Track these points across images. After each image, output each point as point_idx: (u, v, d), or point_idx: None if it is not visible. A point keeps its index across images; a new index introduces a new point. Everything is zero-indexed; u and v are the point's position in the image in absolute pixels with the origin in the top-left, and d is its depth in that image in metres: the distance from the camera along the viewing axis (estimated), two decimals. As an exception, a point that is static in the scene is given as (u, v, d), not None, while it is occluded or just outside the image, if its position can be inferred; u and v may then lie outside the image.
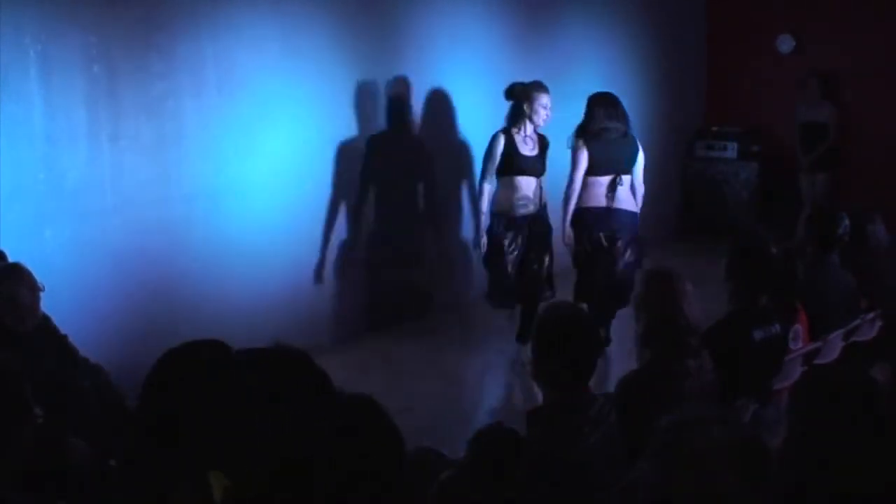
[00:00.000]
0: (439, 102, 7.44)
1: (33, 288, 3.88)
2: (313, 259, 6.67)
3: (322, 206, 6.68)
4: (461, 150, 7.65)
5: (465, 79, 7.59)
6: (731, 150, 10.00)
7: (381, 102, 7.00)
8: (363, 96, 6.86)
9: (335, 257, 6.82)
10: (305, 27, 6.46)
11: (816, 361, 4.16)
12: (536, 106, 6.16)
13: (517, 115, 6.25)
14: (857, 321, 4.52)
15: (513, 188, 6.18)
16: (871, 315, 4.59)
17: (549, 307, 3.06)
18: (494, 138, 6.24)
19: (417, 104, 7.28)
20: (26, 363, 3.64)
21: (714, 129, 10.21)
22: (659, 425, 2.08)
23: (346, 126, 6.77)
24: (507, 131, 6.25)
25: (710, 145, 10.15)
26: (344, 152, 6.79)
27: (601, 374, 3.04)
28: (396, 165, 7.18)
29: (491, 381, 6.11)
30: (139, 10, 5.54)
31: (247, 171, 6.19)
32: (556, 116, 8.87)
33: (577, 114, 8.90)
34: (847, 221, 4.76)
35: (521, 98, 6.23)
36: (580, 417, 2.90)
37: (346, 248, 6.89)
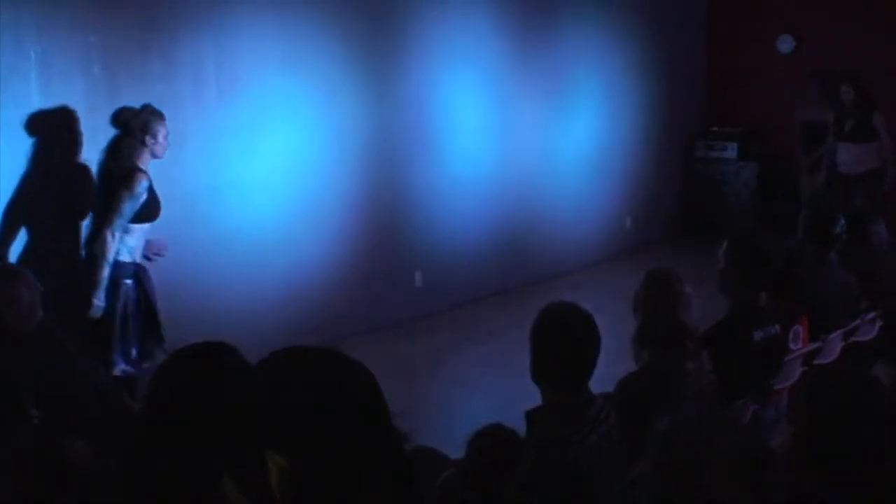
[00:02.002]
0: (439, 103, 7.45)
1: (33, 289, 3.88)
2: (313, 259, 6.68)
3: (322, 206, 6.68)
4: (460, 154, 7.66)
5: (464, 83, 7.60)
6: (731, 151, 10.01)
7: (381, 104, 7.00)
8: (362, 99, 6.86)
9: (335, 257, 6.82)
10: (305, 29, 6.46)
11: (816, 362, 4.16)
12: None
13: None
14: (857, 321, 4.52)
15: None
16: (872, 315, 4.58)
17: (549, 307, 3.05)
18: None
19: (417, 108, 7.28)
20: (26, 363, 3.65)
21: (714, 129, 10.22)
22: (659, 426, 2.08)
23: (345, 127, 6.78)
24: None
25: (710, 145, 10.16)
26: (343, 153, 6.80)
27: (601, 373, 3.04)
28: (396, 168, 7.19)
29: (491, 382, 6.11)
30: (139, 11, 5.55)
31: (246, 171, 6.19)
32: (556, 119, 8.89)
33: (577, 114, 8.94)
34: (843, 220, 4.76)
35: None
36: (580, 418, 2.90)
37: (345, 248, 6.89)
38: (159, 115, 4.93)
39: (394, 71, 7.09)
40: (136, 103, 5.53)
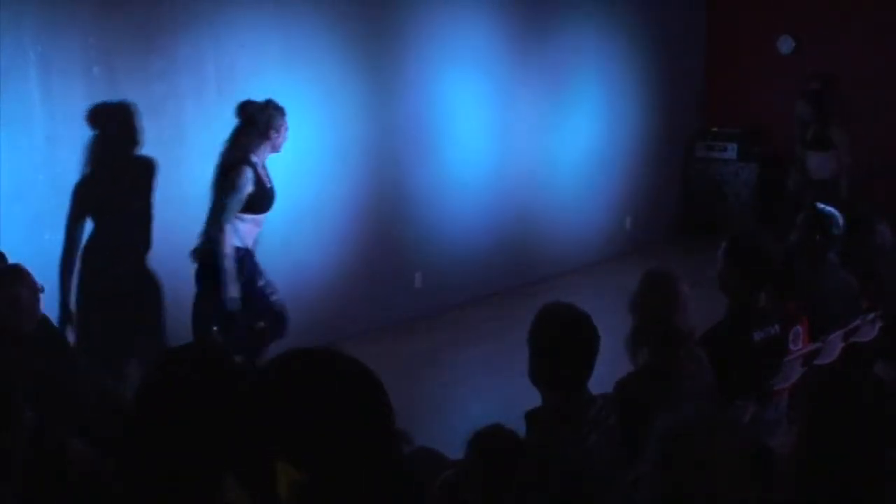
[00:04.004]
0: (439, 103, 7.45)
1: (33, 289, 3.88)
2: (313, 259, 6.68)
3: (322, 207, 6.68)
4: (459, 154, 7.66)
5: (465, 83, 7.60)
6: (731, 151, 10.02)
7: (380, 106, 7.00)
8: (362, 99, 6.86)
9: (335, 258, 6.82)
10: (306, 29, 6.46)
11: (816, 362, 4.16)
12: None
13: None
14: (857, 321, 4.52)
15: None
16: (872, 315, 4.58)
17: (548, 307, 3.05)
18: None
19: (417, 108, 7.28)
20: (26, 363, 3.65)
21: (714, 129, 10.22)
22: (658, 427, 2.08)
23: (345, 127, 6.78)
24: None
25: (710, 146, 10.17)
26: (343, 153, 6.80)
27: (600, 374, 3.04)
28: (395, 168, 7.19)
29: (491, 382, 6.11)
30: (139, 11, 5.54)
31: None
32: (556, 120, 8.89)
33: (577, 114, 8.94)
34: (842, 220, 4.76)
35: None
36: (579, 418, 2.90)
37: (345, 248, 6.89)
38: (282, 110, 5.15)
39: (394, 71, 7.09)
40: (136, 104, 5.55)
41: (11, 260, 4.27)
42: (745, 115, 10.07)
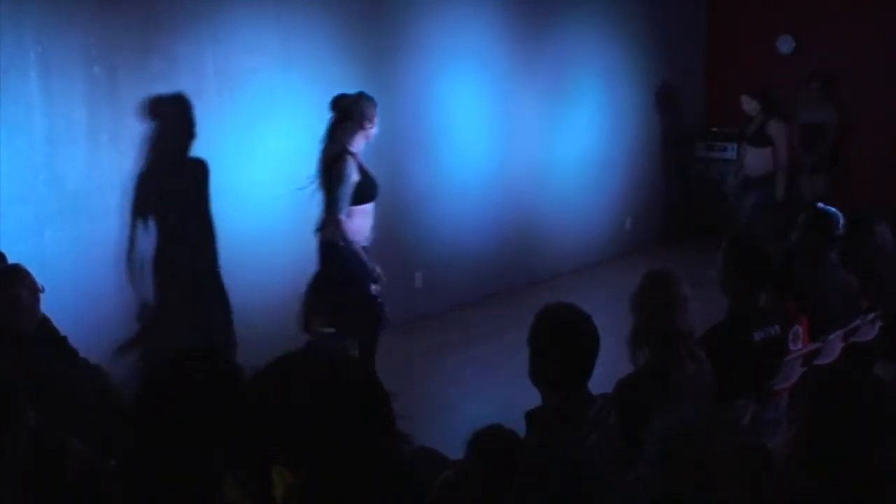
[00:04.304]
0: (439, 103, 7.45)
1: (33, 289, 3.88)
2: (313, 259, 6.66)
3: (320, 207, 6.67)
4: (459, 154, 7.66)
5: (465, 83, 7.60)
6: (731, 151, 10.00)
7: (380, 104, 6.98)
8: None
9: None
10: (305, 29, 6.46)
11: (816, 362, 4.16)
12: None
13: None
14: (857, 321, 4.51)
15: None
16: (872, 315, 4.58)
17: (548, 308, 3.05)
18: None
19: (416, 108, 7.28)
20: (26, 364, 3.65)
21: (714, 130, 10.21)
22: (658, 427, 2.08)
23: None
24: None
25: (710, 146, 10.16)
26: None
27: (600, 374, 3.04)
28: (395, 169, 7.18)
29: (491, 382, 6.11)
30: (139, 10, 5.55)
31: (246, 171, 6.19)
32: (556, 120, 8.89)
33: (577, 114, 8.93)
34: (843, 221, 4.76)
35: None
36: (579, 418, 2.89)
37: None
38: (374, 101, 5.36)
39: (395, 71, 7.09)
40: (136, 103, 5.55)
41: (11, 260, 4.27)
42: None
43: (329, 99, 6.76)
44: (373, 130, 5.33)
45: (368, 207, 5.34)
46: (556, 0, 8.40)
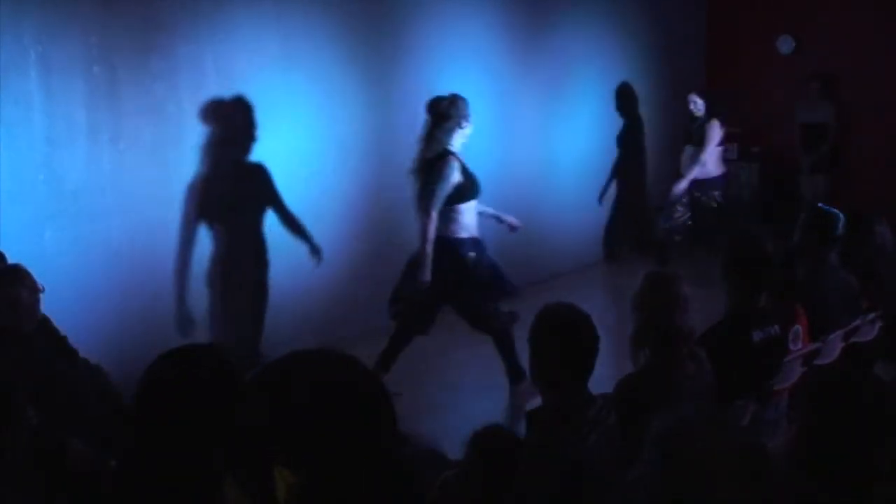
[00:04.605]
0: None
1: (33, 289, 3.88)
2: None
3: (322, 206, 6.68)
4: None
5: (465, 82, 7.59)
6: (732, 151, 10.00)
7: (380, 105, 7.00)
8: (362, 99, 6.86)
9: (335, 257, 6.82)
10: (305, 30, 6.46)
11: (816, 362, 4.16)
12: None
13: None
14: (857, 321, 4.51)
15: None
16: (872, 315, 4.58)
17: (548, 308, 3.05)
18: None
19: (417, 109, 7.27)
20: (26, 364, 3.65)
21: (714, 129, 10.20)
22: (658, 427, 2.08)
23: (344, 128, 6.78)
24: None
25: (710, 146, 10.14)
26: (343, 153, 6.80)
27: (600, 374, 3.04)
28: (395, 169, 7.18)
29: (491, 382, 6.10)
30: (139, 10, 5.55)
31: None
32: (556, 120, 8.87)
33: (577, 114, 8.93)
34: (843, 221, 4.76)
35: None
36: (579, 418, 2.90)
37: (345, 248, 6.89)
38: (466, 101, 5.64)
39: (394, 71, 7.08)
40: (136, 103, 5.55)
41: (11, 260, 4.27)
42: (745, 115, 10.07)
43: (330, 99, 6.78)
44: (469, 129, 5.57)
45: (472, 205, 5.65)
46: (557, 0, 8.40)
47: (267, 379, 1.54)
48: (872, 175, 9.33)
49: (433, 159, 5.51)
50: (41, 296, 3.92)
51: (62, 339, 4.17)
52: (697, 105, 8.20)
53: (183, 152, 5.84)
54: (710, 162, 8.17)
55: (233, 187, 5.96)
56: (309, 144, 6.56)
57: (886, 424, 2.36)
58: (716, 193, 8.21)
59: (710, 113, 8.14)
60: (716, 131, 8.11)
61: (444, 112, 5.54)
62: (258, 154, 6.23)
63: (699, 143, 8.13)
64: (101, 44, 5.38)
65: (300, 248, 6.50)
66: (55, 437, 3.03)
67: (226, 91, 6.01)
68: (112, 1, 5.43)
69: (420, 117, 7.29)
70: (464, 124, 5.56)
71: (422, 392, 5.90)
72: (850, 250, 4.85)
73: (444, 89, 7.43)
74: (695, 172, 8.06)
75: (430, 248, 5.47)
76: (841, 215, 4.80)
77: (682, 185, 8.09)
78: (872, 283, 4.85)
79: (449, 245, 5.56)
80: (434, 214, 5.46)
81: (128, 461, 2.02)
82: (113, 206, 5.53)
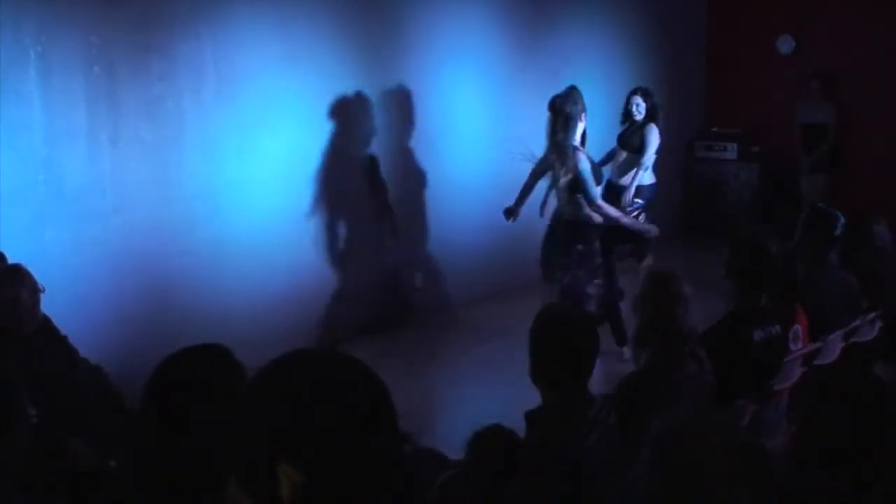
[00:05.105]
0: (439, 103, 7.44)
1: (33, 289, 3.88)
2: (312, 260, 6.67)
3: (322, 206, 6.68)
4: (459, 153, 7.65)
5: (465, 82, 7.59)
6: (732, 151, 10.01)
7: (381, 105, 7.00)
8: (362, 98, 6.86)
9: (334, 258, 6.82)
10: (305, 29, 6.46)
11: (816, 362, 4.16)
12: None
13: None
14: (857, 321, 4.51)
15: None
16: (872, 315, 4.58)
17: (547, 308, 3.06)
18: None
19: (417, 107, 7.27)
20: (26, 364, 3.65)
21: (714, 129, 10.22)
22: (658, 427, 2.08)
23: (345, 128, 6.77)
24: None
25: (710, 146, 10.16)
26: (343, 154, 6.79)
27: (600, 373, 3.04)
28: (395, 167, 7.19)
29: (491, 382, 6.10)
30: (139, 10, 5.54)
31: (246, 171, 6.19)
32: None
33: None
34: (843, 221, 4.76)
35: None
36: (579, 418, 2.90)
37: (345, 248, 6.89)
38: (581, 93, 6.05)
39: (394, 70, 7.08)
40: (136, 103, 5.55)
41: (11, 260, 4.27)
42: (745, 115, 10.07)
43: (328, 98, 6.78)
44: (586, 121, 5.99)
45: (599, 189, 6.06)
46: (557, 1, 8.40)
47: (267, 378, 1.54)
48: (872, 175, 9.33)
49: (564, 155, 5.87)
50: (41, 296, 3.92)
51: (62, 339, 4.17)
52: (640, 108, 7.77)
53: (183, 152, 5.84)
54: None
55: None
56: (308, 144, 6.56)
57: (886, 424, 2.36)
58: (641, 202, 7.73)
59: (649, 117, 7.76)
60: (656, 136, 7.72)
61: (563, 109, 5.89)
62: (257, 152, 6.23)
63: (637, 149, 7.70)
64: (101, 44, 5.38)
65: (298, 247, 6.51)
66: (55, 437, 3.03)
67: (226, 91, 6.01)
68: (112, 1, 5.43)
69: (420, 117, 7.33)
70: (584, 118, 5.97)
71: (422, 392, 5.90)
72: (850, 250, 4.85)
73: (445, 88, 7.48)
74: (639, 178, 7.65)
75: (626, 219, 6.27)
76: (841, 215, 4.80)
77: (629, 195, 7.58)
78: (872, 283, 4.84)
79: (578, 225, 6.01)
80: (600, 202, 5.95)
81: (130, 461, 2.02)
82: (113, 206, 5.53)
